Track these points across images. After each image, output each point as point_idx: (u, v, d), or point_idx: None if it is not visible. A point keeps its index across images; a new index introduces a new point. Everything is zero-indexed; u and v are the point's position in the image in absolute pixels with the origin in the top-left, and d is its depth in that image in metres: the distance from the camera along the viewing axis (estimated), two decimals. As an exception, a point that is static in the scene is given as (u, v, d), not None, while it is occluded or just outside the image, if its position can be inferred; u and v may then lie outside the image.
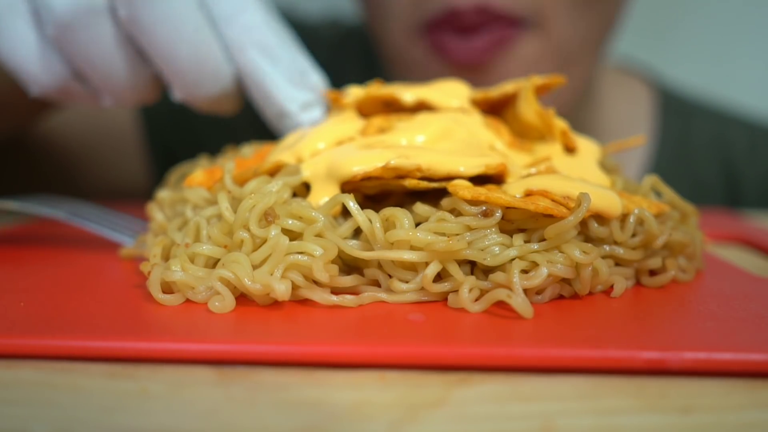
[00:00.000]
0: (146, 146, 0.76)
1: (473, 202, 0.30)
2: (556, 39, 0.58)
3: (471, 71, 0.59)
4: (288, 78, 0.40)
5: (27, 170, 0.71)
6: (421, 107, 0.40)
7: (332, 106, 0.42)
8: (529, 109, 0.38)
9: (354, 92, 0.40)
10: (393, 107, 0.40)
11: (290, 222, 0.30)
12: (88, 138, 0.74)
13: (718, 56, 0.98)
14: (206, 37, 0.39)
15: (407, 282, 0.30)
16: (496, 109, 0.41)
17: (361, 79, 0.53)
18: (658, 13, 0.98)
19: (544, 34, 0.57)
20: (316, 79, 0.42)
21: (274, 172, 0.35)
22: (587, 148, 0.38)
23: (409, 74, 0.63)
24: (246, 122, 0.69)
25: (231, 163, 0.35)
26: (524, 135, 0.39)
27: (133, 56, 0.40)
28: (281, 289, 0.28)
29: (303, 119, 0.41)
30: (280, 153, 0.36)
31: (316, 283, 0.29)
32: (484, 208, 0.30)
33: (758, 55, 0.98)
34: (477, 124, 0.37)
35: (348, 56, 0.79)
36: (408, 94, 0.40)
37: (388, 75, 0.66)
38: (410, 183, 0.32)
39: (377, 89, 0.40)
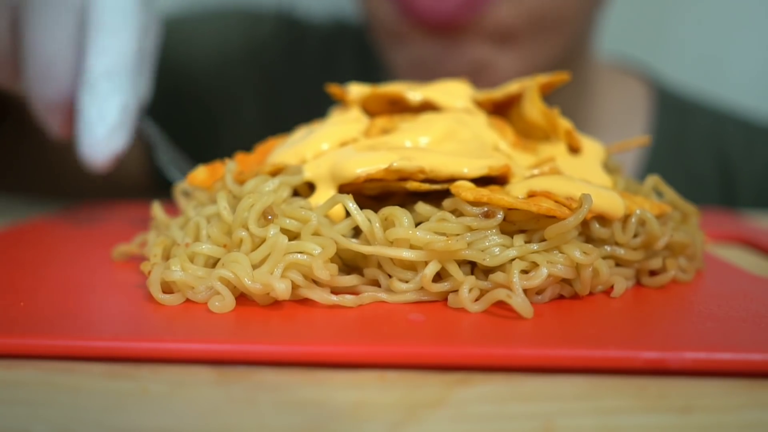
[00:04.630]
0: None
1: (475, 203, 0.30)
2: (530, 3, 0.57)
3: (441, 34, 0.58)
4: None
5: (28, 165, 0.71)
6: (426, 107, 0.40)
7: (338, 103, 0.42)
8: (533, 108, 0.38)
9: (356, 89, 0.40)
10: (398, 106, 0.40)
11: (288, 222, 0.30)
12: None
13: (714, 55, 0.98)
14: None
15: (407, 282, 0.30)
16: (501, 110, 0.41)
17: (355, 72, 0.54)
18: (654, 12, 0.98)
19: None
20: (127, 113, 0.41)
21: (276, 173, 0.35)
22: (591, 148, 0.38)
23: (389, 45, 0.62)
24: (235, 138, 0.70)
25: (233, 162, 0.35)
26: (529, 135, 0.39)
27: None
28: (281, 288, 0.28)
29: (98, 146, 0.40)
30: (284, 151, 0.36)
31: (315, 282, 0.29)
32: (485, 209, 0.30)
33: (754, 54, 0.98)
34: (481, 125, 0.37)
35: (342, 50, 0.79)
36: (414, 93, 0.39)
37: (382, 70, 0.66)
38: (412, 185, 0.32)
39: (383, 87, 0.40)
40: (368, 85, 0.41)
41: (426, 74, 0.56)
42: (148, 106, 0.57)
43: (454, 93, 0.40)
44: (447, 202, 0.31)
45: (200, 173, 0.37)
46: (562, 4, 0.59)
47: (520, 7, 0.57)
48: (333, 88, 0.41)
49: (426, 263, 0.29)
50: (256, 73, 0.77)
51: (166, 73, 0.75)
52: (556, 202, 0.30)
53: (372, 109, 0.41)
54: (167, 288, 0.29)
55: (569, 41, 0.63)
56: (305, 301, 0.29)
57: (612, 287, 0.31)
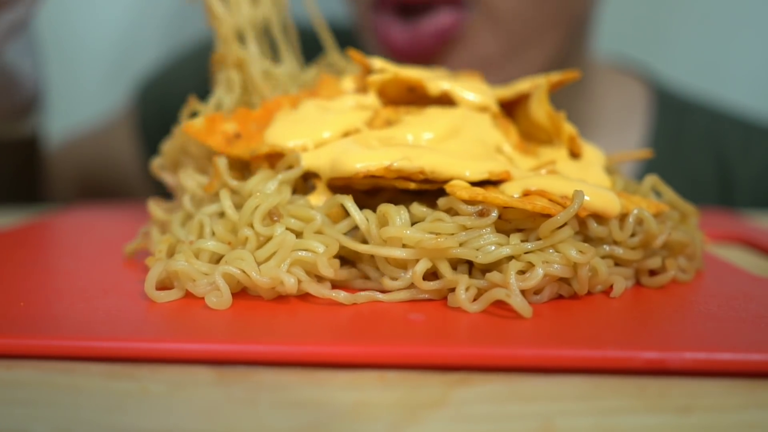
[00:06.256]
0: (147, 173, 0.79)
1: (470, 202, 0.30)
2: (504, 22, 0.58)
3: (415, 63, 0.58)
4: None
5: (47, 184, 0.76)
6: (443, 98, 0.39)
7: (357, 75, 0.41)
8: (540, 109, 0.38)
9: (381, 66, 0.39)
10: (416, 93, 0.39)
11: (292, 221, 0.31)
12: (94, 169, 0.80)
13: (713, 55, 0.98)
14: None
15: (397, 279, 0.30)
16: (508, 108, 0.41)
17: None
18: (653, 12, 0.98)
19: (491, 16, 0.57)
20: None
21: (272, 156, 0.34)
22: (592, 154, 0.38)
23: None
24: None
25: (224, 159, 0.34)
26: (532, 136, 0.39)
27: None
28: (291, 283, 0.28)
29: None
30: (286, 129, 0.35)
31: (318, 278, 0.30)
32: (480, 207, 0.30)
33: (753, 54, 0.98)
34: (486, 124, 0.37)
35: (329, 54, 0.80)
36: (435, 83, 0.38)
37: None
38: (410, 185, 0.32)
39: (407, 73, 0.39)
40: (392, 64, 0.39)
41: None
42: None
43: (474, 89, 0.39)
44: (442, 201, 0.31)
45: (197, 122, 0.36)
46: (539, 25, 0.59)
47: (497, 35, 0.58)
48: (354, 54, 0.40)
49: (418, 262, 0.29)
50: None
51: (156, 115, 0.78)
52: (551, 200, 0.31)
53: (389, 93, 0.39)
54: (169, 284, 0.30)
55: (553, 55, 0.63)
56: (304, 299, 0.29)
57: (611, 287, 0.31)
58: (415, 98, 0.39)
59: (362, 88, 0.40)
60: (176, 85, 0.78)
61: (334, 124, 0.35)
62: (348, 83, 0.40)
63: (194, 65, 0.82)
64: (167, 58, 0.85)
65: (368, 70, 0.40)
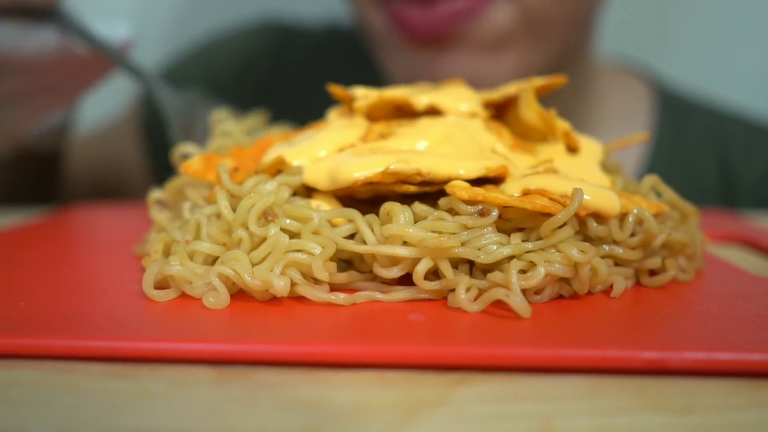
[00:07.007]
0: (150, 170, 0.79)
1: (470, 202, 0.30)
2: (529, 8, 0.57)
3: (432, 45, 0.58)
4: None
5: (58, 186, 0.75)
6: (431, 111, 0.39)
7: (342, 108, 0.42)
8: (530, 110, 0.38)
9: (363, 94, 0.40)
10: (403, 111, 0.40)
11: (288, 222, 0.30)
12: (99, 168, 0.80)
13: (716, 55, 0.98)
14: None
15: (393, 269, 0.30)
16: (498, 112, 0.41)
17: (348, 76, 0.54)
18: (656, 13, 0.98)
19: (516, 2, 0.57)
20: None
21: (274, 169, 0.35)
22: (590, 147, 0.38)
23: (383, 53, 0.63)
24: None
25: (224, 164, 0.34)
26: (526, 136, 0.39)
27: None
28: (280, 285, 0.28)
29: None
30: (282, 152, 0.36)
31: (315, 279, 0.30)
32: (480, 207, 0.30)
33: (756, 55, 0.98)
34: (478, 128, 0.37)
35: (334, 54, 0.80)
36: (420, 98, 0.39)
37: (375, 73, 0.67)
38: (407, 188, 0.32)
39: (390, 94, 0.39)
40: (373, 89, 0.40)
41: (420, 81, 0.56)
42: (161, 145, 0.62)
43: (459, 97, 0.40)
44: (443, 201, 0.31)
45: (195, 162, 0.37)
46: (558, 7, 0.59)
47: (516, 13, 0.58)
48: (335, 89, 0.40)
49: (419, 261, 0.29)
50: (247, 84, 0.79)
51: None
52: (551, 199, 0.31)
53: (377, 115, 0.40)
54: (165, 285, 0.30)
55: (565, 44, 0.63)
56: (303, 299, 0.29)
57: (611, 287, 0.31)
58: (403, 116, 0.40)
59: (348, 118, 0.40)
60: (179, 85, 0.79)
61: (329, 142, 0.36)
62: (334, 117, 0.41)
63: (197, 64, 0.82)
64: (170, 57, 0.85)
65: (351, 102, 0.40)
